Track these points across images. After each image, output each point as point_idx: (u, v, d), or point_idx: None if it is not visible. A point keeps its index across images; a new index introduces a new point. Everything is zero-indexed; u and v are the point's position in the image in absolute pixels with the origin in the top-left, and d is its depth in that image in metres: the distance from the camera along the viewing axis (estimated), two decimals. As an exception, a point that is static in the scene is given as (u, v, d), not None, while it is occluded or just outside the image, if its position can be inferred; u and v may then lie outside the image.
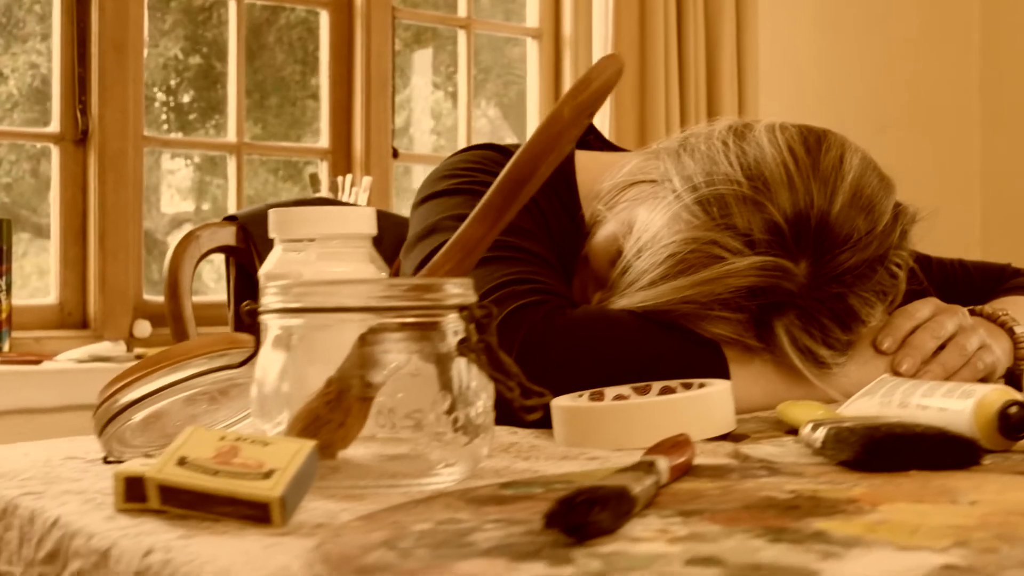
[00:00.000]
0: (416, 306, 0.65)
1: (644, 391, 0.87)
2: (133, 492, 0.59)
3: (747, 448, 0.73)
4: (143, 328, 2.26)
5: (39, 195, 2.41)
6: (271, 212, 0.90)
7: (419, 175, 2.76)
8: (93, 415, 0.76)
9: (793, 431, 0.79)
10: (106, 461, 0.76)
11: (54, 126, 2.25)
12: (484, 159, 1.13)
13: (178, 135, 2.58)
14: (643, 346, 0.92)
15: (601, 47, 2.53)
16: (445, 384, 0.66)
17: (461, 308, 0.66)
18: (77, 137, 2.25)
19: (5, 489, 0.68)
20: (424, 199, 1.12)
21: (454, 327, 0.66)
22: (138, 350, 2.20)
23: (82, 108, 2.24)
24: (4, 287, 2.09)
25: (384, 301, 0.66)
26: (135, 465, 0.60)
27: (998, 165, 3.05)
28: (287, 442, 0.58)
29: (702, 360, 0.92)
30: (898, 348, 0.98)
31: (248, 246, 1.68)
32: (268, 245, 1.67)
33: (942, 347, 0.99)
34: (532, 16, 2.74)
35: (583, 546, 0.46)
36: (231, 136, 2.42)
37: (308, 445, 0.58)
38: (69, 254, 2.25)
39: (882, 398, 0.77)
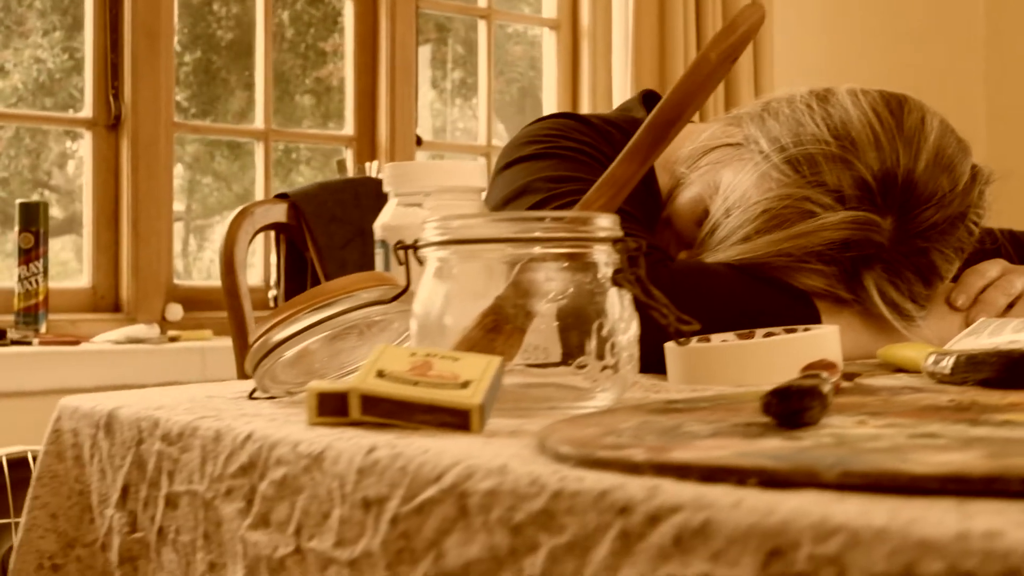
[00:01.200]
0: (571, 238, 0.69)
1: (748, 337, 0.91)
2: (326, 406, 0.63)
3: (868, 381, 0.77)
4: (175, 311, 2.29)
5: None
6: (387, 167, 0.93)
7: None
8: (247, 354, 0.79)
9: (900, 371, 0.83)
10: (251, 397, 0.80)
11: (86, 111, 2.28)
12: (563, 126, 1.17)
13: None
14: (741, 296, 0.96)
15: (621, 39, 2.57)
16: (598, 313, 0.69)
17: (615, 240, 0.70)
18: (109, 122, 2.27)
19: (175, 415, 0.72)
20: (508, 164, 1.15)
21: (605, 259, 0.70)
22: (171, 332, 2.23)
23: (114, 94, 2.26)
24: (41, 270, 2.11)
25: (541, 232, 0.69)
26: (323, 383, 0.64)
27: (1003, 161, 3.11)
28: (476, 357, 0.62)
29: (796, 310, 0.96)
30: (971, 305, 1.03)
31: (299, 223, 1.72)
32: (318, 222, 1.70)
33: (1010, 305, 1.04)
34: (550, 7, 2.78)
35: (800, 430, 0.50)
36: (259, 123, 2.45)
37: (497, 360, 0.62)
38: (102, 238, 2.27)
39: (989, 336, 0.81)
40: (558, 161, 1.11)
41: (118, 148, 2.28)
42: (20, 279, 2.11)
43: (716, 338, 0.91)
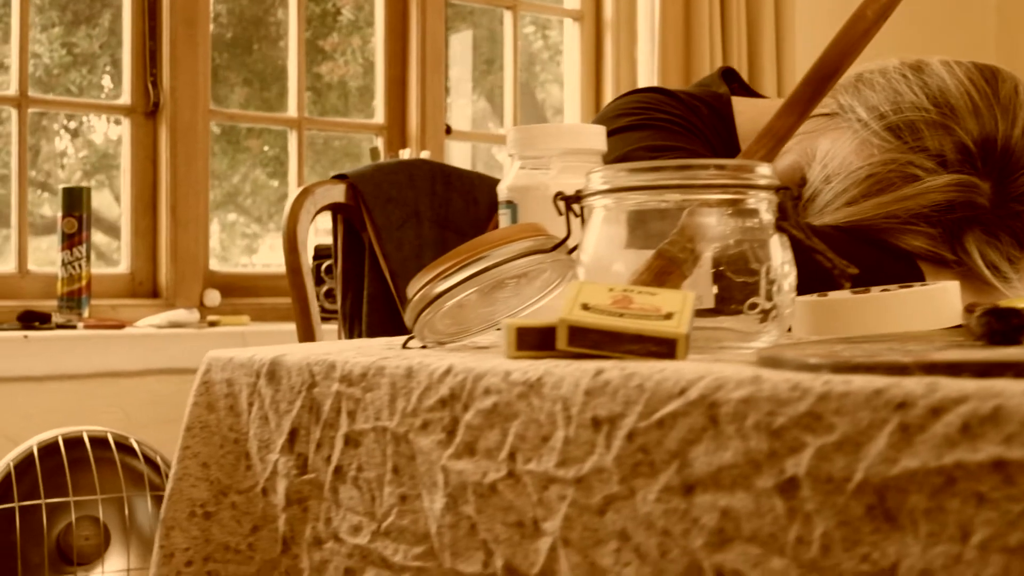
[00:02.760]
0: (736, 184, 0.72)
1: (863, 294, 0.94)
2: (524, 341, 0.65)
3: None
4: (213, 297, 2.30)
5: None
6: (511, 131, 0.96)
7: (459, 153, 2.82)
8: (406, 307, 0.81)
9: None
10: (404, 347, 0.82)
11: (125, 98, 2.29)
12: (653, 99, 1.20)
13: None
14: (850, 256, 0.99)
15: (647, 30, 2.61)
16: (762, 258, 0.72)
17: (777, 189, 0.73)
18: (148, 109, 2.28)
19: (354, 358, 0.74)
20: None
21: (766, 206, 0.73)
22: (210, 317, 2.25)
23: (153, 81, 2.28)
24: (84, 254, 2.12)
25: (707, 179, 0.72)
26: (520, 320, 0.67)
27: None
28: (671, 292, 0.65)
29: (901, 270, 1.00)
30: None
31: (357, 203, 1.74)
32: (376, 203, 1.73)
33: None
34: (573, -2, 2.82)
35: (1011, 347, 0.53)
36: (292, 111, 2.47)
37: (691, 295, 0.65)
38: (140, 225, 2.29)
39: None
40: (655, 131, 1.15)
41: (156, 135, 2.29)
42: (64, 263, 2.12)
43: (832, 295, 0.94)
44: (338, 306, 1.76)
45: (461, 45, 2.96)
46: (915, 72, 1.05)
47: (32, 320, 2.07)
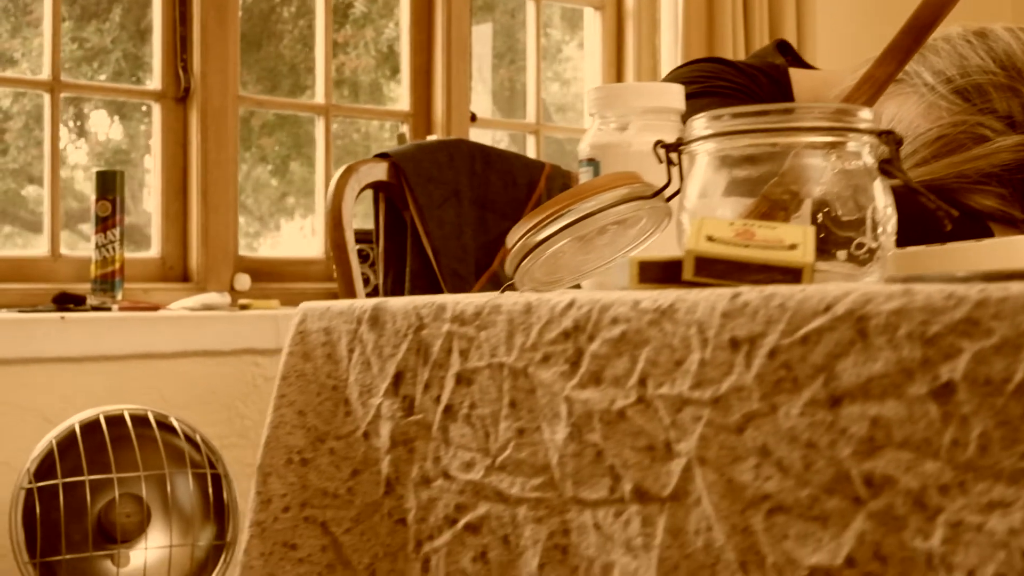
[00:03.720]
0: (839, 127, 0.74)
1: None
2: (646, 274, 0.67)
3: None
4: (243, 281, 2.32)
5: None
6: (591, 91, 0.98)
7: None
8: (506, 257, 0.83)
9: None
10: (502, 293, 0.84)
11: (155, 84, 2.30)
12: (713, 68, 1.22)
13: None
14: (925, 213, 1.01)
15: (669, 18, 2.63)
16: (866, 201, 0.74)
17: (879, 133, 0.75)
18: (178, 95, 2.30)
19: (463, 298, 0.76)
20: None
21: (868, 150, 0.75)
22: (242, 301, 2.26)
23: (183, 66, 2.29)
24: (117, 237, 2.13)
25: (811, 122, 0.74)
26: (642, 255, 0.68)
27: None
28: (791, 227, 0.67)
29: (972, 229, 1.02)
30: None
31: (399, 182, 1.75)
32: (418, 181, 1.74)
33: None
34: (595, -12, 2.83)
35: None
36: (319, 98, 2.49)
37: (812, 229, 0.66)
38: (170, 209, 2.30)
39: None
40: (717, 99, 1.16)
41: (186, 120, 2.31)
42: (97, 246, 2.13)
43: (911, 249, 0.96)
44: (379, 284, 1.78)
45: (481, 37, 2.98)
46: (979, 38, 1.08)
47: (67, 302, 2.08)
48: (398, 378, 0.80)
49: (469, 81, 2.60)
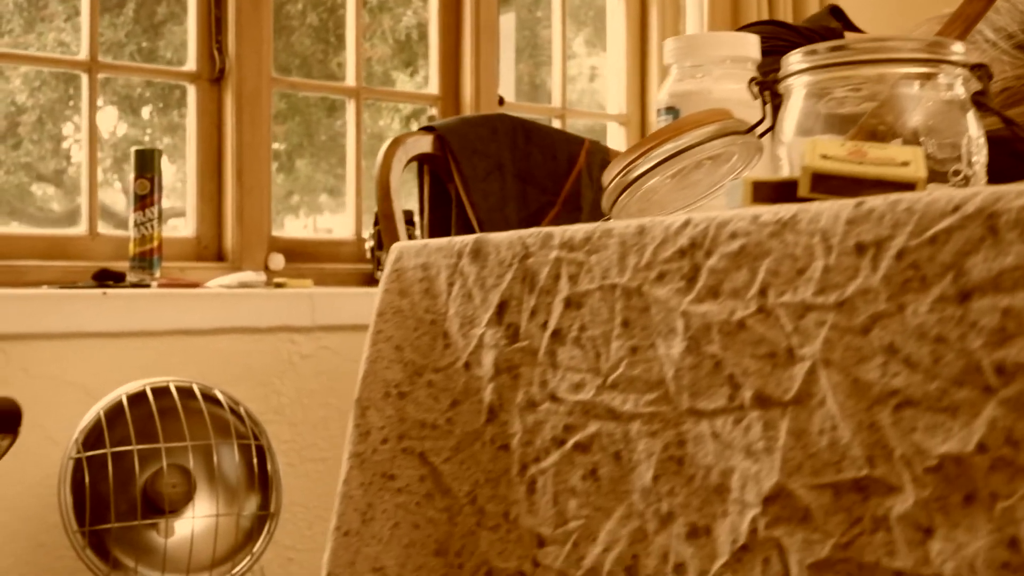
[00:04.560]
0: (934, 59, 0.77)
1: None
2: (759, 194, 0.70)
3: None
4: (277, 261, 2.34)
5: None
6: (670, 41, 1.00)
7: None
8: (603, 193, 0.86)
9: None
10: (596, 231, 0.86)
11: (190, 65, 2.33)
12: (772, 30, 1.26)
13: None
14: (994, 162, 1.04)
15: (695, 4, 2.66)
16: (959, 130, 0.77)
17: (973, 66, 0.78)
18: (213, 76, 2.32)
19: (569, 227, 0.78)
20: None
21: (961, 82, 0.77)
22: (277, 279, 2.29)
23: (218, 48, 2.32)
24: (156, 216, 2.16)
25: (907, 54, 0.77)
26: (756, 176, 0.71)
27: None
28: (900, 147, 0.69)
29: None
30: None
31: (444, 154, 1.78)
32: (463, 154, 1.77)
33: None
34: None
35: None
36: (350, 81, 2.52)
37: (920, 148, 0.69)
38: (205, 189, 2.33)
39: None
40: (779, 58, 1.19)
41: (221, 101, 2.33)
42: (136, 224, 2.15)
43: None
44: (424, 255, 1.80)
45: (502, 28, 3.00)
46: None
47: (107, 279, 2.11)
48: (502, 307, 0.82)
49: (497, 64, 2.63)
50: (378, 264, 2.40)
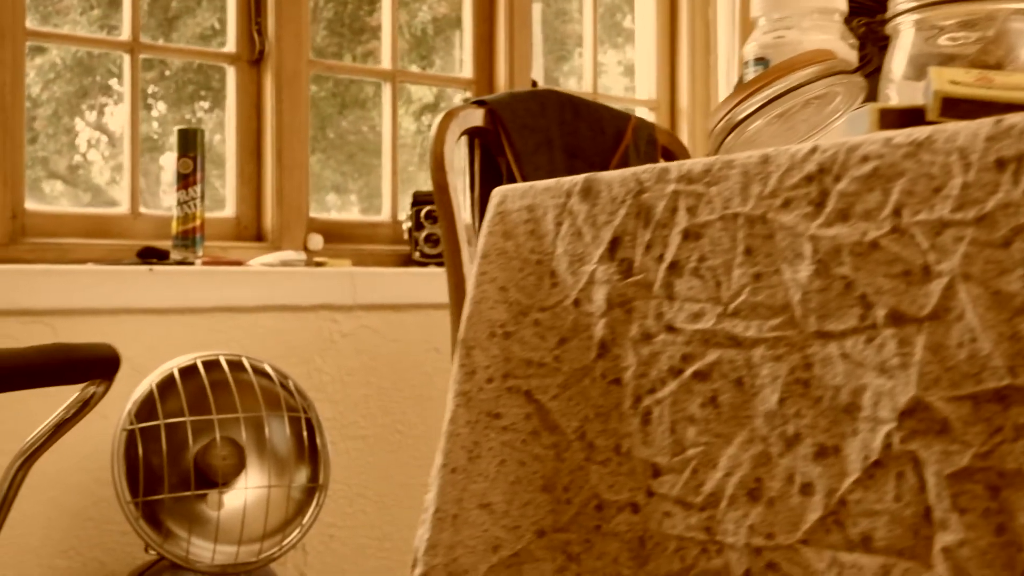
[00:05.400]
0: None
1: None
2: (886, 122, 0.71)
3: None
4: (316, 241, 2.36)
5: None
6: (757, -6, 1.02)
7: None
8: (709, 135, 0.87)
9: None
10: (700, 172, 0.88)
11: (230, 46, 2.34)
12: None
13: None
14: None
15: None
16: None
17: (1081, 3, 0.79)
18: (253, 57, 2.34)
19: (689, 161, 0.80)
20: None
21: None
22: (317, 259, 2.30)
23: (258, 29, 2.33)
24: (199, 195, 2.17)
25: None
26: (881, 104, 0.73)
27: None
28: (1020, 75, 0.71)
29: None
30: None
31: (495, 127, 1.80)
32: (513, 128, 1.78)
33: None
34: (647, -38, 2.88)
35: None
36: (386, 64, 2.53)
37: (1045, 74, 0.71)
38: (245, 170, 2.34)
39: None
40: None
41: (260, 83, 2.35)
42: (179, 203, 2.17)
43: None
44: (475, 228, 1.82)
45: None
46: None
47: (151, 257, 2.12)
48: (615, 243, 0.84)
49: (531, 47, 2.65)
50: (416, 245, 2.41)
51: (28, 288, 1.93)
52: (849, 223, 0.70)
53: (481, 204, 1.82)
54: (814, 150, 0.72)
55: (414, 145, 2.76)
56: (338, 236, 2.43)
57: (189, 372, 1.86)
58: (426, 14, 2.87)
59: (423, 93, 2.79)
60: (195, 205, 2.17)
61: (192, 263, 2.13)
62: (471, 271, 0.93)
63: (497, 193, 0.93)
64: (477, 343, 0.91)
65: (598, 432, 0.85)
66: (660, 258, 0.81)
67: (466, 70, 2.64)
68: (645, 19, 2.89)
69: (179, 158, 2.17)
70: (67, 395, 1.23)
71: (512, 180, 1.80)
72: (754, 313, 0.75)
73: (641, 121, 1.94)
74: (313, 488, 1.91)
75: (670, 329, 0.80)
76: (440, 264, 2.41)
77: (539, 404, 0.89)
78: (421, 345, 2.35)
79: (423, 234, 2.40)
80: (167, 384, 1.84)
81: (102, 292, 1.99)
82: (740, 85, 0.88)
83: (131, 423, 1.81)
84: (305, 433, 1.90)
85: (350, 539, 2.27)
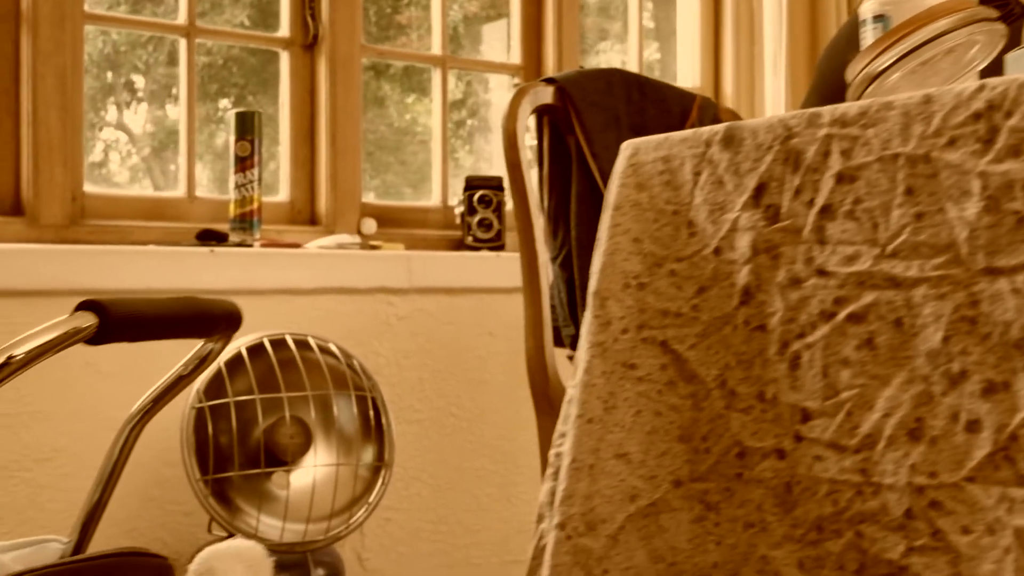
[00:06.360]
0: None
1: None
2: (1054, 57, 0.72)
3: None
4: (370, 225, 2.36)
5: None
6: (875, -49, 1.02)
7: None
8: (847, 88, 0.87)
9: None
10: (837, 122, 0.88)
11: (283, 31, 2.35)
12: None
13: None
14: None
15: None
16: None
17: None
18: (306, 42, 2.34)
19: (839, 106, 0.80)
20: None
21: None
22: (372, 242, 2.31)
23: (311, 14, 2.34)
24: (256, 178, 2.17)
25: None
26: (1041, 42, 0.73)
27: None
28: None
29: None
30: None
31: (565, 105, 1.80)
32: (583, 106, 1.78)
33: None
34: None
35: None
36: (436, 49, 2.54)
37: None
38: (299, 155, 2.35)
39: None
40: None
41: (314, 67, 2.35)
42: (236, 186, 2.17)
43: None
44: (543, 206, 1.82)
45: None
46: None
47: (210, 239, 2.12)
48: (760, 190, 0.84)
49: (579, 33, 2.65)
50: (468, 229, 2.42)
51: (92, 268, 1.94)
52: (1022, 158, 0.70)
53: (550, 182, 1.83)
54: (982, 88, 0.72)
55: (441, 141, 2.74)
56: (389, 221, 2.43)
57: (256, 351, 1.86)
58: (456, 13, 2.88)
59: (450, 88, 2.78)
60: (252, 188, 2.17)
61: (250, 245, 2.14)
62: (603, 222, 0.93)
63: (629, 145, 0.93)
64: (611, 294, 0.91)
65: (740, 380, 0.85)
66: (811, 203, 0.81)
67: (514, 56, 2.65)
68: (689, 8, 2.90)
69: (236, 141, 2.17)
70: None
71: (582, 158, 1.81)
72: (915, 253, 0.75)
73: (706, 100, 1.94)
74: (379, 467, 1.91)
75: (821, 273, 0.80)
76: (493, 248, 2.41)
77: (676, 354, 0.89)
78: (475, 329, 2.35)
79: (476, 219, 2.40)
80: (235, 362, 1.84)
81: (164, 273, 2.00)
82: (876, 40, 0.88)
83: (200, 401, 1.81)
84: (371, 412, 1.90)
85: (406, 522, 2.27)
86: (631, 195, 0.92)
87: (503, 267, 2.34)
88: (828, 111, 0.80)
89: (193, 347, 1.20)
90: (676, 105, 1.90)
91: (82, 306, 0.82)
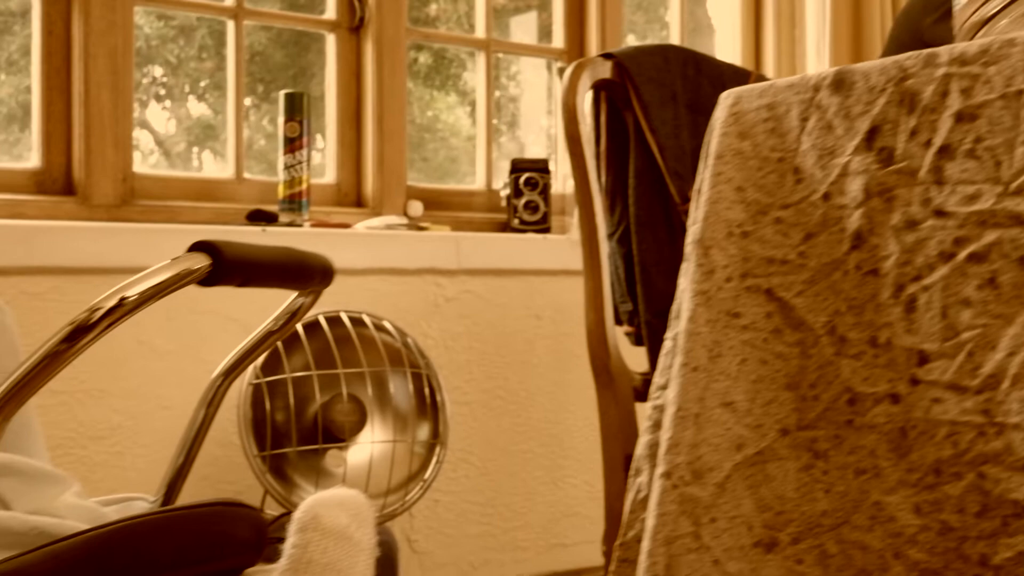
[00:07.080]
0: None
1: None
2: None
3: None
4: (416, 208, 2.36)
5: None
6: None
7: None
8: (956, 32, 0.87)
9: None
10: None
11: (330, 14, 2.35)
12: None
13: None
14: None
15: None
16: None
17: None
18: (352, 25, 2.34)
19: (957, 45, 0.79)
20: None
21: None
22: (420, 224, 2.31)
23: (358, -3, 2.34)
24: (305, 159, 2.17)
25: None
26: None
27: None
28: None
29: None
30: None
31: (623, 80, 1.80)
32: (641, 81, 1.77)
33: None
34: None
35: None
36: (480, 33, 2.54)
37: None
38: (345, 137, 2.35)
39: None
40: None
41: (359, 50, 2.35)
42: (286, 167, 2.17)
43: None
44: (601, 181, 1.82)
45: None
46: None
47: (260, 219, 2.13)
48: (872, 133, 0.83)
49: (622, 16, 2.64)
50: (515, 212, 2.41)
51: (144, 247, 1.94)
52: None
53: (607, 158, 1.82)
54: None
55: (469, 136, 2.74)
56: (435, 204, 2.43)
57: (312, 328, 1.86)
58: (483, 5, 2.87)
59: (476, 83, 2.77)
60: (302, 169, 2.17)
61: (300, 226, 2.14)
62: (704, 174, 0.93)
63: (731, 94, 0.93)
64: (715, 243, 0.91)
65: (851, 325, 0.85)
66: (928, 143, 0.80)
67: (557, 40, 2.64)
68: (729, 20, 2.89)
69: (286, 122, 2.18)
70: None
71: (639, 133, 1.80)
72: (1042, 189, 0.74)
73: (761, 76, 1.93)
74: (434, 444, 1.91)
75: (939, 214, 0.80)
76: (539, 231, 2.41)
77: (782, 302, 0.88)
78: (523, 311, 2.34)
79: (522, 201, 2.40)
80: (291, 339, 1.84)
81: (217, 252, 1.99)
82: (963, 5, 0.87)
83: (257, 377, 1.81)
84: (427, 390, 1.90)
85: (453, 504, 2.26)
86: (733, 144, 0.91)
87: (550, 249, 2.34)
88: (946, 50, 0.80)
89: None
90: (732, 82, 1.88)
91: (195, 247, 0.81)
